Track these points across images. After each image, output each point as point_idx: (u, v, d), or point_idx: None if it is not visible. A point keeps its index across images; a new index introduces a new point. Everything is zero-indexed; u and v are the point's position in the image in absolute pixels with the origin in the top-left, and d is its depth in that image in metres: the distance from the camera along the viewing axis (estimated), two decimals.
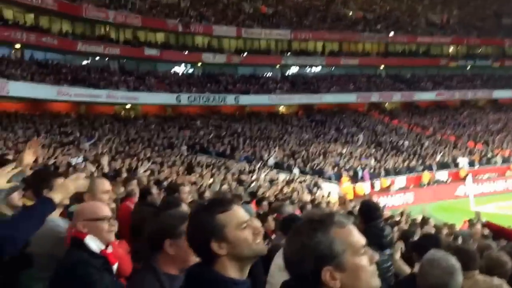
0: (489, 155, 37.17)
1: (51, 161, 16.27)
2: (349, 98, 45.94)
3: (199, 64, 43.45)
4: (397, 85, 48.99)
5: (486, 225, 12.64)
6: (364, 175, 30.78)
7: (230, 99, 40.53)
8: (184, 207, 4.76)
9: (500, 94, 50.92)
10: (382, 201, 26.66)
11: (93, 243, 3.28)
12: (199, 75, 43.29)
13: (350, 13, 53.21)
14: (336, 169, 31.00)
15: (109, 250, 3.39)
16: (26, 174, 3.62)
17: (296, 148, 34.79)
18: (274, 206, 10.53)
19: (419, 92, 48.62)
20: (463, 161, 35.12)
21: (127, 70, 39.30)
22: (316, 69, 49.16)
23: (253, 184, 20.50)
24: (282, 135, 38.04)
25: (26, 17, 34.50)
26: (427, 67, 52.06)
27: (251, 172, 25.67)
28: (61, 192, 3.34)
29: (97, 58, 38.56)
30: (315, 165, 31.47)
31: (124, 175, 11.61)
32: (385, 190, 30.52)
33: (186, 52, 42.25)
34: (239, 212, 2.18)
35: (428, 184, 32.24)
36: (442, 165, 34.66)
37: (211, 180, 19.56)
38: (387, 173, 32.14)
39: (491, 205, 27.02)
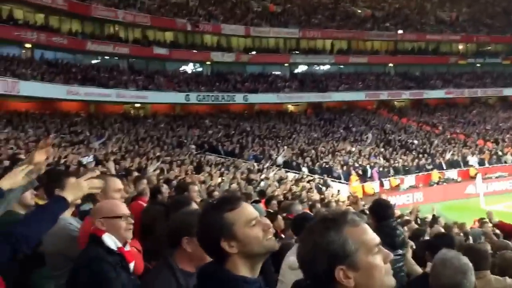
0: (499, 153, 36.92)
1: (62, 161, 16.34)
2: (358, 96, 45.82)
3: (208, 63, 43.47)
4: (406, 83, 48.85)
5: (499, 224, 12.56)
6: (373, 174, 30.71)
7: (239, 98, 40.59)
8: (194, 206, 4.77)
9: (510, 91, 50.54)
10: (391, 200, 26.55)
11: (111, 241, 3.30)
12: (208, 74, 43.34)
13: (359, 11, 53.07)
14: (345, 168, 30.90)
15: (127, 248, 3.41)
16: (39, 173, 3.63)
17: (305, 146, 34.73)
18: (283, 205, 10.50)
19: (428, 90, 48.38)
20: (473, 160, 34.95)
21: (136, 69, 39.37)
22: (325, 68, 49.04)
23: (262, 183, 20.48)
24: (291, 133, 38.00)
25: (36, 17, 34.61)
26: (436, 65, 51.85)
27: (260, 171, 25.66)
28: (73, 191, 3.35)
29: (107, 57, 38.73)
30: (324, 164, 31.40)
31: (135, 174, 11.64)
32: (394, 189, 30.40)
33: (195, 51, 42.26)
34: (248, 209, 2.17)
35: (438, 183, 32.11)
36: (452, 164, 34.47)
37: (220, 179, 19.57)
38: (396, 172, 32.04)
39: (502, 204, 26.84)
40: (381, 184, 30.20)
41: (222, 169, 23.77)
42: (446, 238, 5.50)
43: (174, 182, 12.25)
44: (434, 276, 3.50)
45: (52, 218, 3.15)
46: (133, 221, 3.49)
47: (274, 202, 11.56)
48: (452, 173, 33.42)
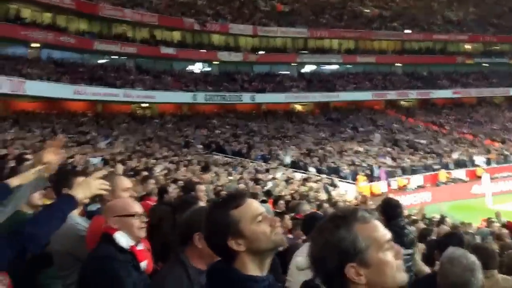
0: (506, 153, 36.79)
1: (68, 161, 16.38)
2: (365, 96, 45.77)
3: (216, 62, 43.45)
4: (414, 82, 48.79)
5: (507, 225, 12.53)
6: (381, 174, 30.62)
7: (246, 98, 40.58)
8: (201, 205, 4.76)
9: None
10: (399, 200, 26.46)
11: (123, 239, 3.27)
12: (215, 74, 43.28)
13: (367, 11, 53.05)
14: (352, 167, 30.86)
15: (140, 247, 3.39)
16: (50, 173, 3.63)
17: (312, 146, 34.69)
18: (291, 205, 10.53)
19: (435, 90, 48.33)
20: (480, 160, 34.83)
21: (144, 69, 39.35)
22: (332, 67, 48.95)
23: (270, 183, 20.47)
24: (298, 133, 37.97)
25: (43, 16, 34.68)
26: (443, 65, 51.70)
27: (267, 171, 25.64)
28: (82, 190, 3.33)
29: (114, 57, 38.73)
30: (331, 163, 31.35)
31: (142, 173, 11.66)
32: (402, 189, 30.32)
33: (203, 51, 42.26)
34: (253, 205, 2.14)
35: (445, 182, 32.02)
36: (459, 164, 34.38)
37: (228, 179, 19.58)
38: (404, 171, 31.95)
39: (509, 204, 26.73)
40: (389, 184, 30.11)
41: (230, 169, 23.77)
42: (455, 237, 5.49)
43: (181, 182, 12.28)
44: (442, 274, 3.49)
45: (60, 217, 3.12)
46: (146, 220, 3.47)
47: (282, 202, 11.57)
48: (460, 173, 33.31)
